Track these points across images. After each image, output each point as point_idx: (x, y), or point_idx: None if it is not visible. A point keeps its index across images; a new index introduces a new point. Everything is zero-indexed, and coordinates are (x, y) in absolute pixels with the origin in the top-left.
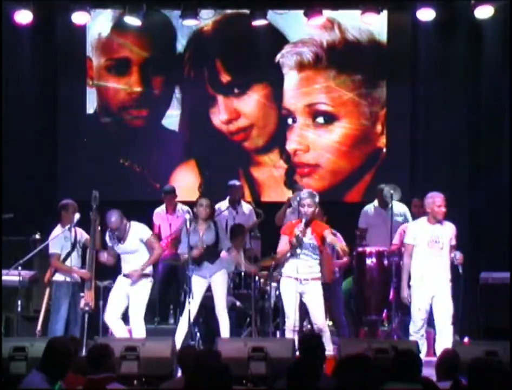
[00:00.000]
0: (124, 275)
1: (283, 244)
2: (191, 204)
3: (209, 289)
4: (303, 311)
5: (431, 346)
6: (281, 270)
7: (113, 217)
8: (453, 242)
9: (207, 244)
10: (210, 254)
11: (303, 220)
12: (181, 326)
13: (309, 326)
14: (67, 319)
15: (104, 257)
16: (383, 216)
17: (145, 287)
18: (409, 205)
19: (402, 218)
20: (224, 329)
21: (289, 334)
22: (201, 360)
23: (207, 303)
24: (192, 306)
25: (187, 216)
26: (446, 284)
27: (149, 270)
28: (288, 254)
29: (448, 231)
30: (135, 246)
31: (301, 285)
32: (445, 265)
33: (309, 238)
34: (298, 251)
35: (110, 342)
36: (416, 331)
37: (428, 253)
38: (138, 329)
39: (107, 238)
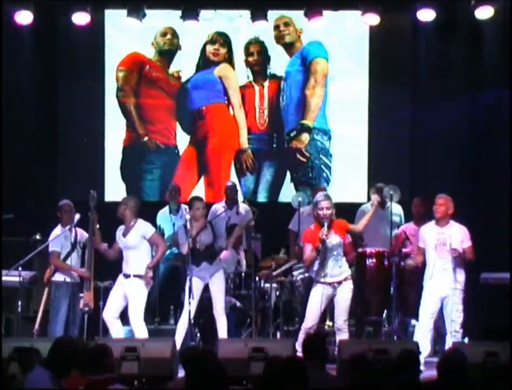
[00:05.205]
0: (124, 275)
1: (309, 252)
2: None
3: (206, 289)
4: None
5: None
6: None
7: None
8: (465, 245)
9: (205, 244)
10: (209, 254)
11: (325, 224)
12: (180, 327)
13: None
14: (66, 319)
15: (104, 246)
16: (380, 216)
17: (143, 288)
18: (410, 205)
19: (398, 218)
20: (222, 330)
21: (302, 334)
22: (197, 361)
23: (207, 304)
24: (191, 306)
25: (187, 216)
26: (456, 288)
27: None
28: (317, 261)
29: (456, 233)
30: (135, 242)
31: (333, 289)
32: (455, 267)
33: (334, 239)
34: (327, 254)
35: (110, 342)
36: (421, 326)
37: (436, 256)
38: (140, 330)
39: (117, 232)
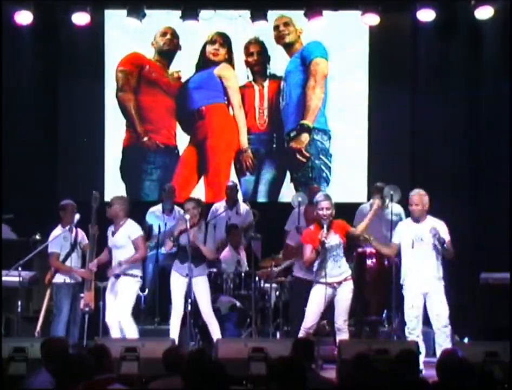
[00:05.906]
0: (114, 275)
1: (309, 253)
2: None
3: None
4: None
5: (430, 347)
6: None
7: (113, 205)
8: (445, 239)
9: (193, 247)
10: (195, 256)
11: (325, 224)
12: (172, 324)
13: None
14: (67, 319)
15: (94, 265)
16: (380, 216)
17: (131, 286)
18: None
19: (397, 218)
20: (216, 333)
21: (302, 335)
22: (195, 360)
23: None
24: (177, 303)
25: (187, 216)
26: (437, 282)
27: (138, 270)
28: (317, 261)
29: (434, 227)
30: (123, 242)
31: (333, 289)
32: (433, 263)
33: (334, 240)
34: (327, 255)
35: (110, 342)
36: (410, 331)
37: (414, 252)
38: (128, 327)
39: (108, 231)
